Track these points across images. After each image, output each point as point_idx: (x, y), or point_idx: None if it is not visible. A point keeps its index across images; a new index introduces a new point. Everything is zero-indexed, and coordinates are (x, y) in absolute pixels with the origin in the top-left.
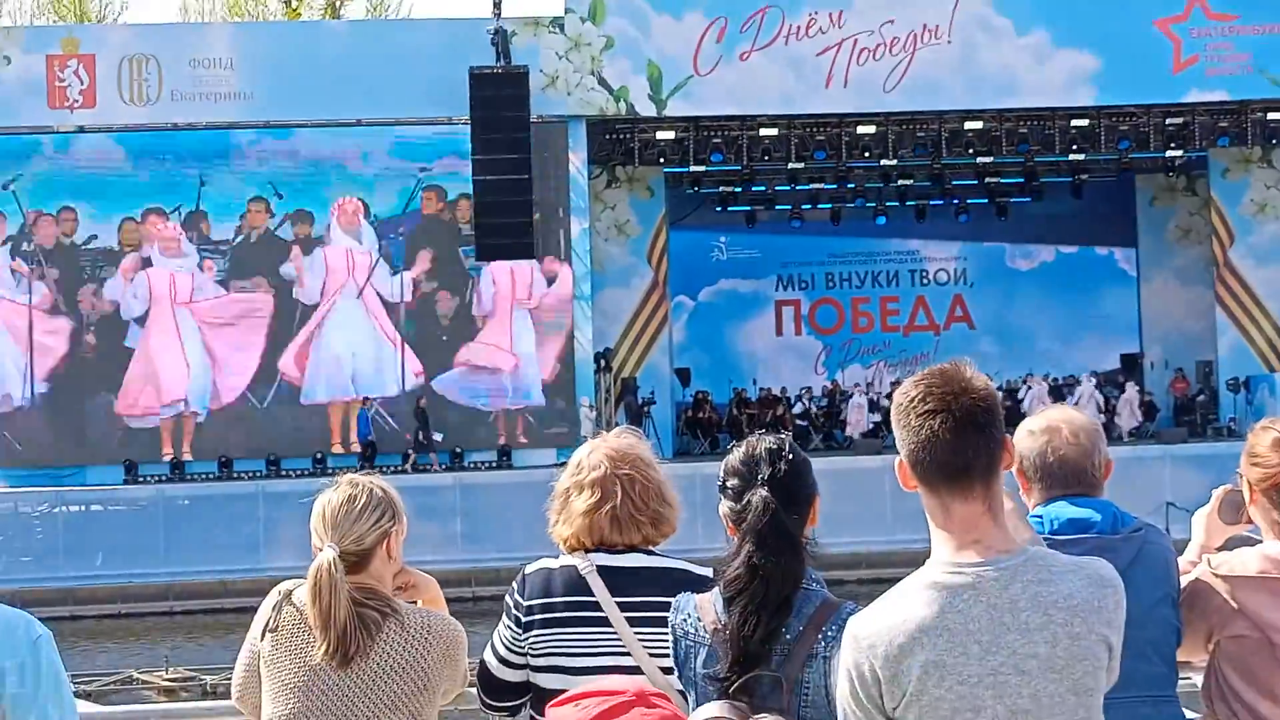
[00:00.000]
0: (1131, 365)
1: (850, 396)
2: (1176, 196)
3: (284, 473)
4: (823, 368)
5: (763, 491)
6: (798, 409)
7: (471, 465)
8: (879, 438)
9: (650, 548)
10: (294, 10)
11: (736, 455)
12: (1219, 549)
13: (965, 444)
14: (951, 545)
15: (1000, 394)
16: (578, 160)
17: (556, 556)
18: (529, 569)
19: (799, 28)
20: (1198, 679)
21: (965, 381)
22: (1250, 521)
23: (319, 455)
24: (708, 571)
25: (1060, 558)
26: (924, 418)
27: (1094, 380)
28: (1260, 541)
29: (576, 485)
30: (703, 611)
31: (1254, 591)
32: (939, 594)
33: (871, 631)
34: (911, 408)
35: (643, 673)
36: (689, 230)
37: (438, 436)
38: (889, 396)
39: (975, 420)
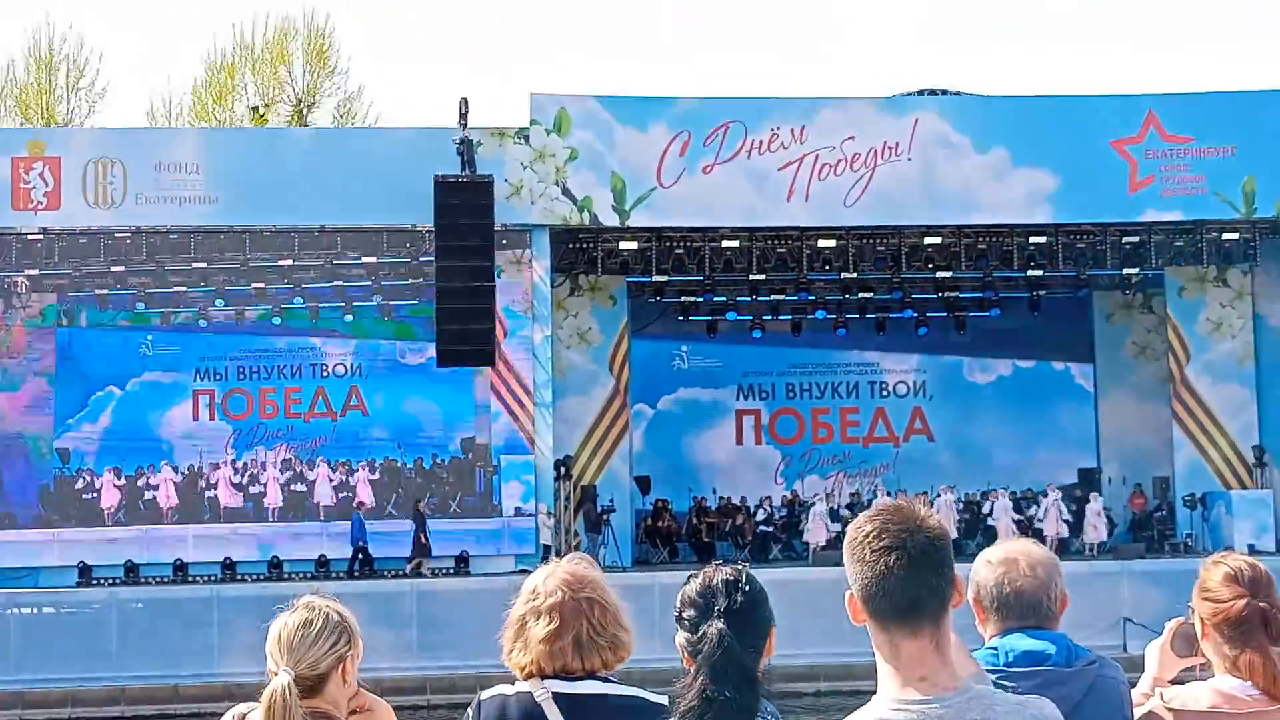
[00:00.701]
0: (1090, 480)
1: (811, 505)
2: (1133, 314)
3: (240, 577)
4: (781, 478)
5: (719, 624)
6: (759, 516)
7: (429, 572)
8: (839, 549)
9: (606, 674)
10: (260, 117)
11: (693, 586)
12: (1172, 681)
13: (919, 582)
14: (897, 681)
15: (962, 506)
16: (541, 268)
17: (512, 682)
18: (484, 695)
19: (761, 142)
20: None
21: (920, 520)
22: (1202, 655)
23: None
24: (664, 699)
25: (1004, 696)
26: (879, 554)
27: (1058, 493)
28: (1212, 676)
29: (534, 611)
30: None
31: None
32: None
33: None
34: (866, 543)
35: None
36: (651, 339)
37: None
38: (849, 507)
39: (930, 559)
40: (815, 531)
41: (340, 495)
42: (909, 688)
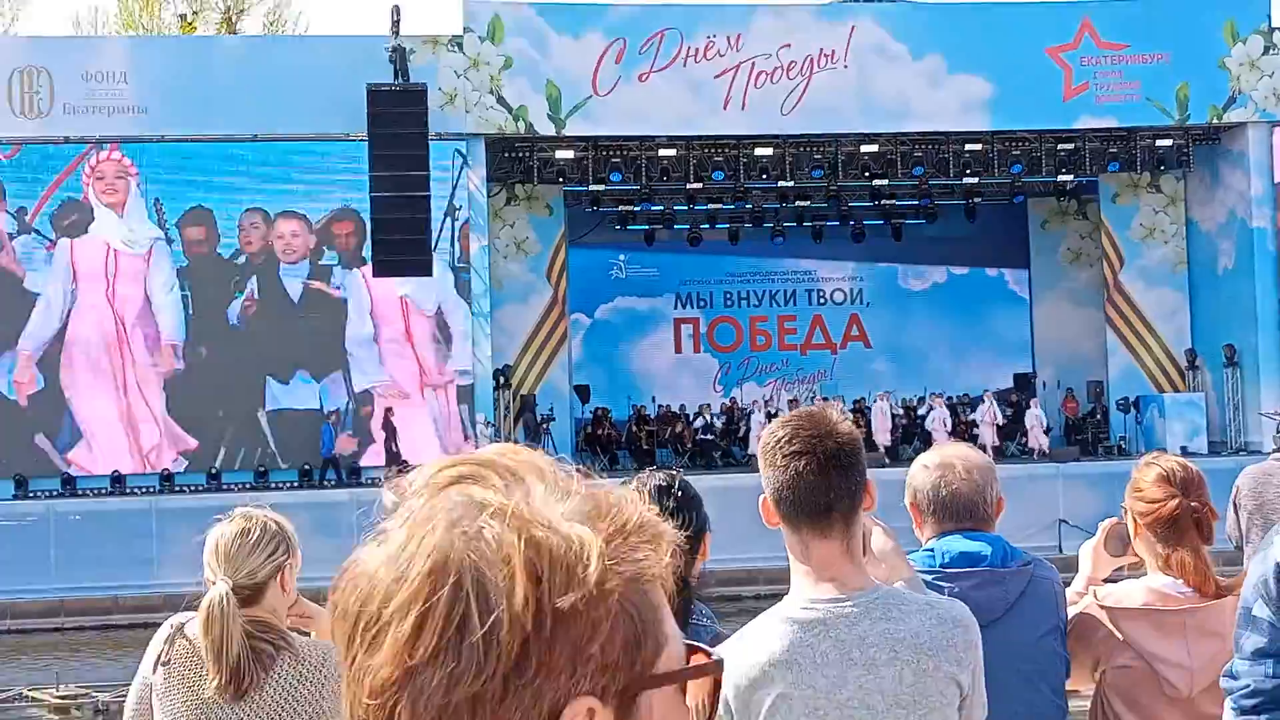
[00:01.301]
0: (1025, 385)
1: (750, 414)
2: (1068, 220)
3: (178, 489)
4: (719, 385)
5: None
6: (698, 425)
7: (369, 481)
8: None
9: None
10: (189, 25)
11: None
12: (1105, 581)
13: (828, 485)
14: (809, 581)
15: (900, 413)
16: (476, 178)
17: None
18: None
19: (697, 50)
20: (1083, 704)
21: (831, 425)
22: (1135, 554)
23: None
24: None
25: (913, 597)
26: (790, 458)
27: (994, 399)
28: (1145, 575)
29: None
30: None
31: (1138, 623)
32: (791, 628)
33: (728, 664)
34: (778, 448)
35: None
36: (588, 248)
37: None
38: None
39: (839, 463)
40: (755, 439)
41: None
42: (819, 586)
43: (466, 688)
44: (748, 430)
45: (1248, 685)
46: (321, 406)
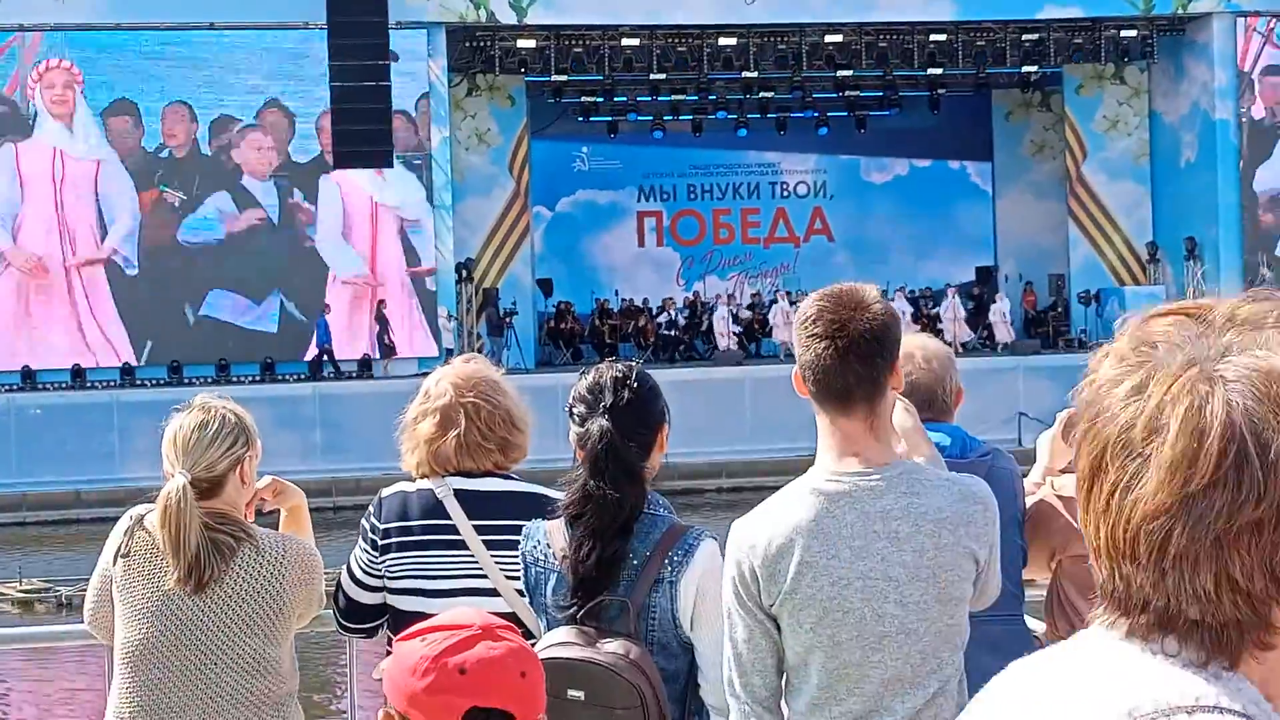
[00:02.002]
0: (987, 278)
1: (714, 308)
2: (1031, 112)
3: (139, 383)
4: (682, 279)
5: (602, 421)
6: (662, 320)
7: (330, 375)
8: (742, 349)
9: (506, 471)
10: None
11: (584, 383)
12: (1062, 471)
13: (847, 370)
14: (834, 455)
15: None
16: (437, 68)
17: (413, 480)
18: (385, 492)
19: None
20: (1039, 593)
21: (857, 309)
22: None
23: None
24: (561, 495)
25: (934, 473)
26: (811, 340)
27: (957, 294)
28: None
29: (422, 413)
30: (552, 538)
31: None
32: (817, 499)
33: (753, 533)
34: (804, 326)
35: (500, 595)
36: (551, 140)
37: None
38: (749, 308)
39: (859, 349)
40: (718, 335)
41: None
42: (844, 460)
43: (1248, 514)
44: (710, 325)
45: None
46: (282, 308)
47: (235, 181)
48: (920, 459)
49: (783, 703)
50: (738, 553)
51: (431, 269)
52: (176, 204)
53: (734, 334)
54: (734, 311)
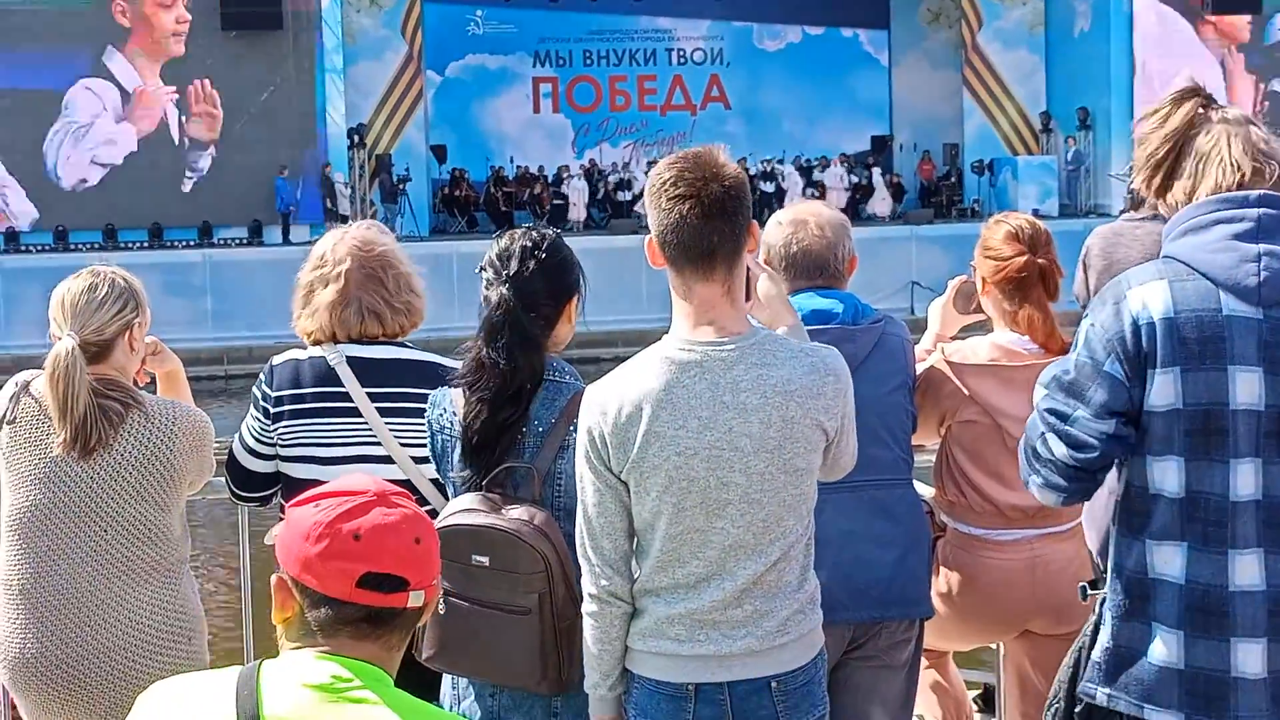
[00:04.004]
0: (881, 147)
1: (608, 175)
2: None
3: (24, 248)
4: (574, 147)
5: (503, 289)
6: (566, 189)
7: (220, 242)
8: (634, 217)
9: (400, 339)
10: None
11: (496, 248)
12: (953, 338)
13: (710, 229)
14: (689, 323)
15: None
16: None
17: (304, 347)
18: (276, 360)
19: None
20: (929, 458)
21: (716, 168)
22: (982, 311)
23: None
24: (458, 364)
25: (789, 343)
26: (674, 201)
27: (843, 163)
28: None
29: (321, 279)
30: (457, 405)
31: (984, 378)
32: (668, 368)
33: (604, 398)
34: (663, 190)
35: (394, 462)
36: (444, 3)
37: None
38: (646, 175)
39: (722, 207)
40: (571, 205)
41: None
42: (699, 329)
43: None
44: (606, 193)
45: (1089, 444)
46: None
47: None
48: (783, 329)
49: (634, 565)
50: (589, 418)
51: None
52: None
53: (623, 200)
54: (626, 179)
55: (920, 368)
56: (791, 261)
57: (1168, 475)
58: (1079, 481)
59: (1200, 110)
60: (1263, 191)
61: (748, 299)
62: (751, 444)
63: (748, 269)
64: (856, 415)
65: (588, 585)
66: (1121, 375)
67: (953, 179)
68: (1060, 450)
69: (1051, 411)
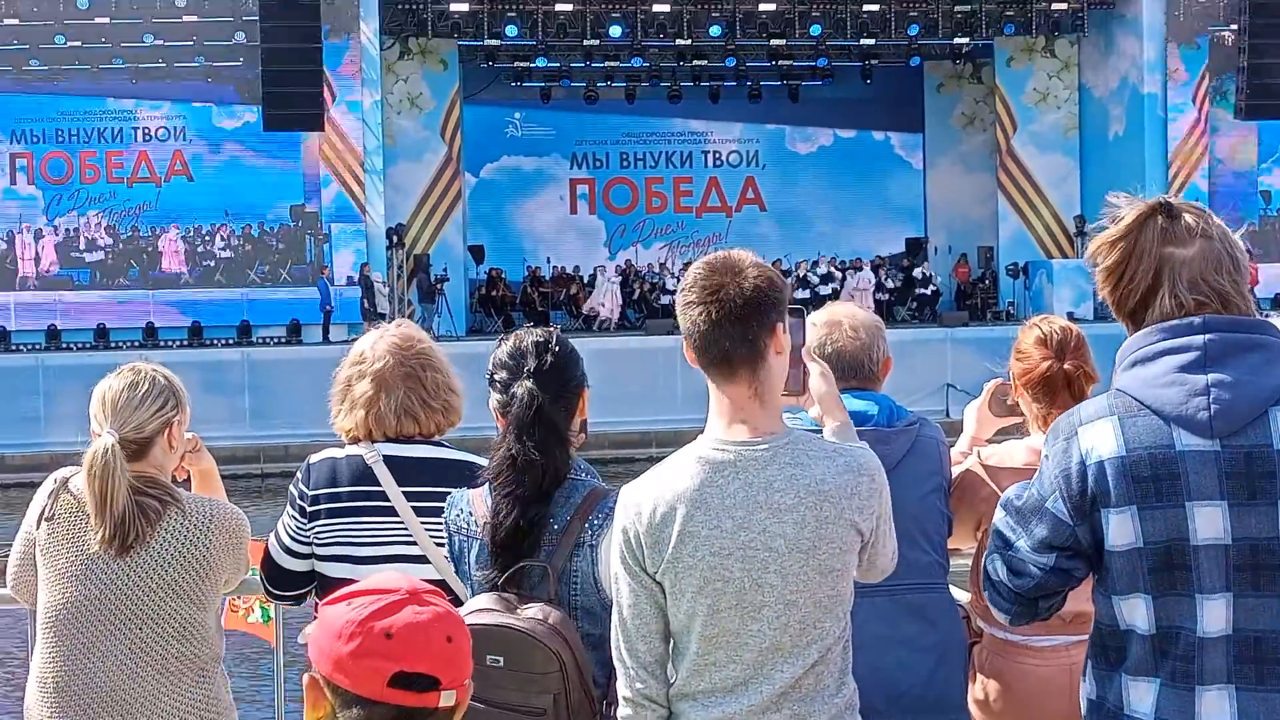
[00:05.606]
0: (916, 249)
1: (644, 277)
2: (963, 84)
3: (65, 346)
4: (606, 248)
5: (528, 384)
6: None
7: (259, 341)
8: (669, 318)
9: (437, 438)
10: None
11: (505, 349)
12: (989, 440)
13: (723, 335)
14: (722, 423)
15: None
16: (369, 30)
17: (342, 445)
18: (313, 458)
19: None
20: (965, 562)
21: (735, 274)
22: (1019, 414)
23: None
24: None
25: (823, 443)
26: (688, 307)
27: (872, 268)
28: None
29: (359, 375)
30: (475, 506)
31: (1020, 482)
32: (702, 468)
33: (639, 498)
34: (683, 293)
35: (429, 562)
36: (483, 105)
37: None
38: (678, 277)
39: (736, 315)
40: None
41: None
42: (732, 429)
43: None
44: (642, 294)
45: (1028, 574)
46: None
47: None
48: (833, 425)
49: (670, 668)
50: (624, 518)
51: None
52: None
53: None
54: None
55: (955, 471)
56: (826, 362)
57: (1137, 613)
58: (1020, 605)
59: (1163, 227)
60: (1206, 316)
61: (802, 393)
62: (786, 544)
63: (802, 364)
64: (892, 517)
65: (622, 689)
66: (1065, 514)
67: (987, 282)
68: (1003, 574)
69: (999, 535)
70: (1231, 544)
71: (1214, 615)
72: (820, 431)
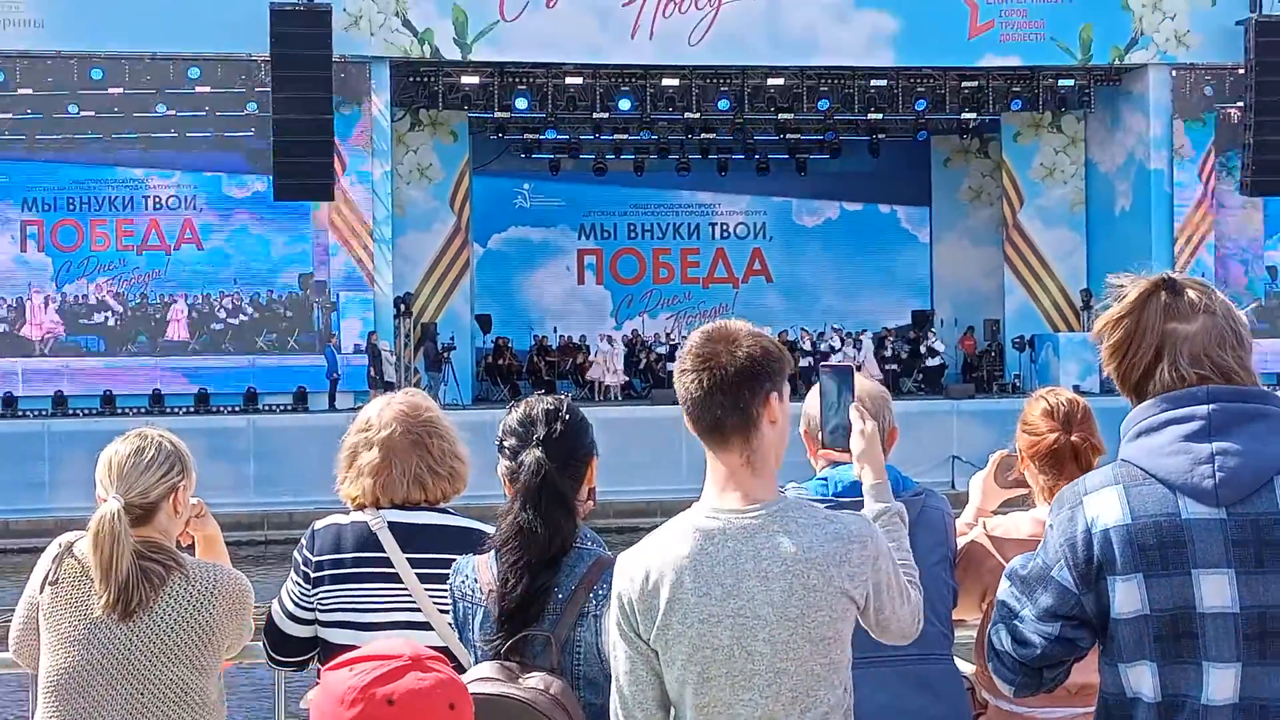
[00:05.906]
0: (922, 322)
1: (651, 347)
2: (969, 158)
3: (71, 412)
4: (613, 318)
5: (536, 452)
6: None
7: (265, 408)
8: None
9: (442, 505)
10: None
11: (514, 415)
12: (994, 512)
13: (713, 404)
14: (715, 490)
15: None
16: (380, 102)
17: (347, 512)
18: (318, 525)
19: None
20: (970, 633)
21: (729, 343)
22: (1025, 485)
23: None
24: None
25: (814, 510)
26: (682, 375)
27: (874, 340)
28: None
29: (366, 443)
30: (480, 573)
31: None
32: (694, 536)
33: (633, 565)
34: (679, 362)
35: (433, 629)
36: (492, 176)
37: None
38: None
39: (726, 384)
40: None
41: (182, 329)
42: (724, 496)
43: None
44: (649, 363)
45: (1032, 643)
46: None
47: None
48: (870, 482)
49: None
50: (620, 584)
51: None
52: None
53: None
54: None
55: (961, 542)
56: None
57: (1143, 680)
58: (1025, 676)
59: (1166, 303)
60: (1210, 386)
61: (846, 449)
62: (774, 612)
63: (848, 422)
64: None
65: None
66: (1070, 583)
67: (993, 354)
68: (1008, 643)
69: (1004, 604)
70: (1240, 612)
71: (1222, 684)
72: (857, 488)
